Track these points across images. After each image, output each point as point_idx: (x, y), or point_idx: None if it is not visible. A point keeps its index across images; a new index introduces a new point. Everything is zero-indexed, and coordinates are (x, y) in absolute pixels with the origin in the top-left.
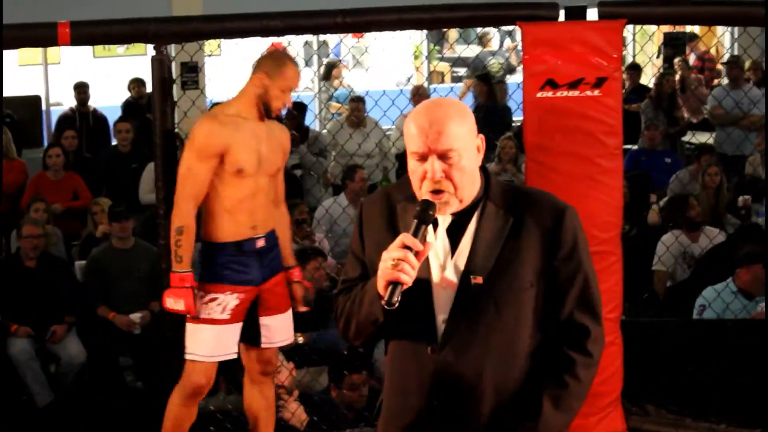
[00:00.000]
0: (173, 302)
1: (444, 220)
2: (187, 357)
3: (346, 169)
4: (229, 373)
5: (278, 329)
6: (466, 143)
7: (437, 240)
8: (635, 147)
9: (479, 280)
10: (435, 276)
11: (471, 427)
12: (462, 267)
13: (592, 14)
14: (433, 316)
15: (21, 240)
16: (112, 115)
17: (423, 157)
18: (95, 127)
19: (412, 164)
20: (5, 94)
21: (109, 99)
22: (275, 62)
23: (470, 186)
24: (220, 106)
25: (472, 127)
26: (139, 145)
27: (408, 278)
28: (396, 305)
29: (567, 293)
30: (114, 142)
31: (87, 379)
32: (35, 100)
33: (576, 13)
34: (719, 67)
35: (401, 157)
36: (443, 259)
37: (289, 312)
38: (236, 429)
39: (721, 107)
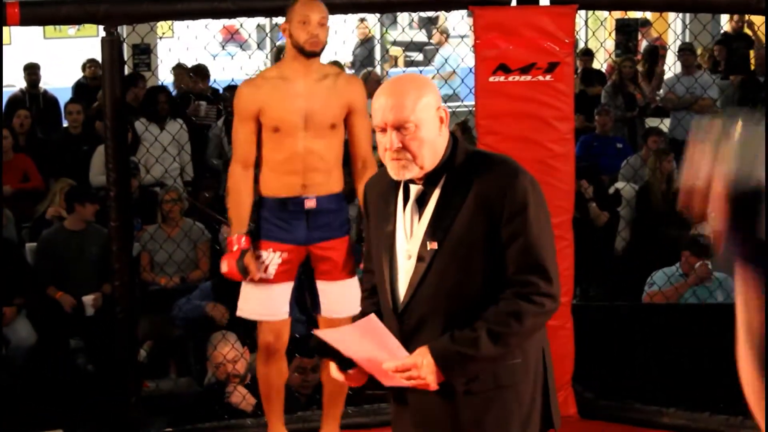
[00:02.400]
0: (223, 266)
1: (414, 191)
2: (237, 313)
3: None
4: (180, 355)
5: (336, 299)
6: (423, 115)
7: (407, 211)
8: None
9: (434, 245)
10: (401, 246)
11: (437, 390)
12: (422, 235)
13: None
14: (398, 286)
15: None
16: (63, 96)
17: (383, 130)
18: (46, 108)
19: (377, 137)
20: None
21: (60, 80)
22: (288, 7)
23: (431, 155)
24: (265, 69)
25: (431, 100)
26: (90, 126)
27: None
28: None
29: (512, 254)
30: (65, 124)
31: (37, 362)
32: None
33: None
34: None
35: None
36: (410, 229)
37: (349, 280)
38: (188, 411)
39: (673, 93)
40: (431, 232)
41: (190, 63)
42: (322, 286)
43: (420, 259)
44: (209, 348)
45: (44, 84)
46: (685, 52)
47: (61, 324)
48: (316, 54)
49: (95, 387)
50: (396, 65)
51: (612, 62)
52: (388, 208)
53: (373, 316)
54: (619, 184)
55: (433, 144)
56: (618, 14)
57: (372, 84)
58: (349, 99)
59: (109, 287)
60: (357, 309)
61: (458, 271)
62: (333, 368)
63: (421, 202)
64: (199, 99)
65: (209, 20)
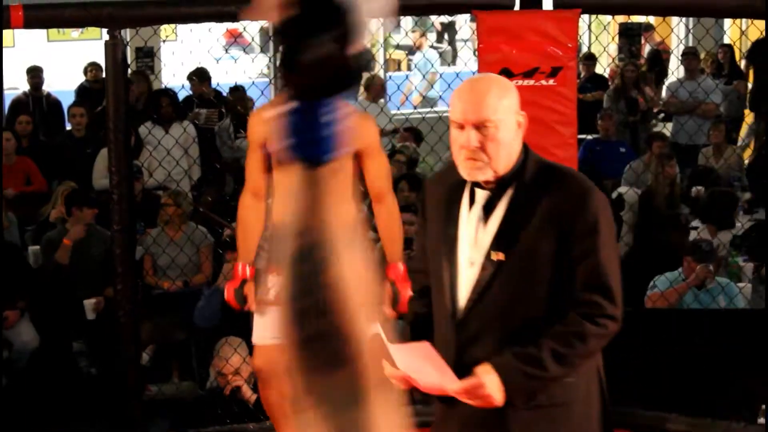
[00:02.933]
0: (225, 293)
1: (480, 196)
2: (253, 340)
3: None
4: (183, 359)
5: None
6: (504, 116)
7: (471, 216)
8: (590, 137)
9: (501, 256)
10: (464, 252)
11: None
12: (487, 244)
13: (548, 4)
14: (458, 292)
15: None
16: (67, 99)
17: (461, 126)
18: (49, 111)
19: (453, 133)
20: None
21: (63, 83)
22: None
23: (506, 159)
24: (278, 96)
25: (513, 102)
26: (94, 129)
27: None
28: None
29: (580, 273)
30: (69, 127)
31: (40, 365)
32: None
33: (531, 3)
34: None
35: None
36: (474, 236)
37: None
38: (190, 415)
39: (676, 97)
40: (497, 242)
41: (193, 66)
42: None
43: (484, 268)
44: (214, 353)
45: (47, 87)
46: (689, 56)
47: (64, 327)
48: None
49: (98, 390)
50: (399, 69)
51: (614, 66)
52: (452, 209)
53: (428, 344)
54: (622, 189)
55: (509, 148)
56: (621, 18)
57: (376, 88)
58: (354, 141)
59: (112, 291)
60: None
61: (522, 284)
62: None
63: (488, 209)
64: (201, 102)
65: (213, 24)
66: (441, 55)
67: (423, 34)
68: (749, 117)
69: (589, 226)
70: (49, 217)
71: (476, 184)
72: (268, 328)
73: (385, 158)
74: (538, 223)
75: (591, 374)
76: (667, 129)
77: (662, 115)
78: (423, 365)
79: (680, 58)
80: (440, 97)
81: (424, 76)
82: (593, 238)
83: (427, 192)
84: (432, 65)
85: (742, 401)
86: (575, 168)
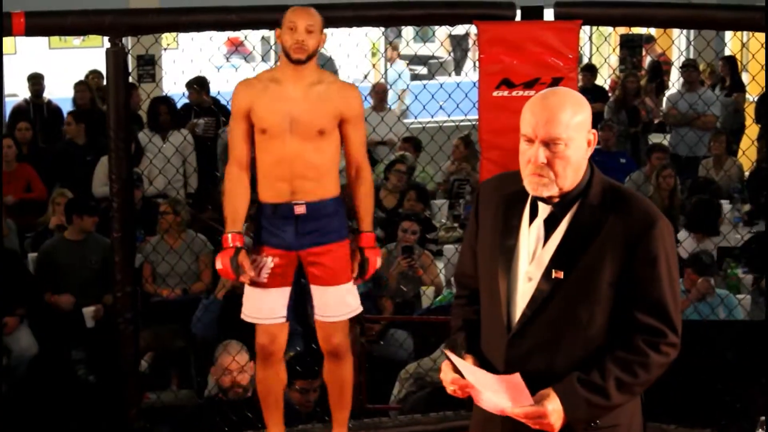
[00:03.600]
0: (217, 263)
1: (543, 211)
2: (242, 316)
3: None
4: (182, 367)
5: (328, 303)
6: (575, 134)
7: (532, 230)
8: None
9: (560, 275)
10: (522, 266)
11: None
12: (547, 260)
13: (549, 14)
14: (514, 306)
15: None
16: (68, 107)
17: (530, 141)
18: (50, 118)
19: (522, 145)
20: None
21: (64, 91)
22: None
23: (573, 176)
24: (263, 71)
25: (585, 119)
26: (94, 137)
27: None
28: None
29: (642, 300)
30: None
31: (39, 372)
32: None
33: (532, 13)
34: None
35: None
36: (533, 251)
37: (344, 286)
38: (189, 423)
39: (676, 108)
40: (558, 260)
41: (194, 75)
42: (314, 290)
43: (542, 285)
44: (213, 359)
45: (48, 94)
46: (689, 68)
47: (63, 334)
48: (302, 61)
49: (96, 398)
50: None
51: (615, 77)
52: (512, 220)
53: (518, 375)
54: None
55: (577, 166)
56: (622, 30)
57: (379, 94)
58: (341, 107)
59: (111, 298)
60: (350, 311)
61: (581, 305)
62: (446, 368)
63: (550, 225)
64: (199, 110)
65: (214, 32)
66: (441, 65)
67: (395, 48)
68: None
69: (652, 255)
70: (49, 225)
71: (539, 198)
72: (265, 308)
73: (364, 129)
74: (600, 245)
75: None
76: (667, 140)
77: (656, 124)
78: (499, 388)
79: (680, 69)
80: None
81: (390, 86)
82: (656, 266)
83: (481, 197)
84: (400, 77)
85: (741, 413)
86: None
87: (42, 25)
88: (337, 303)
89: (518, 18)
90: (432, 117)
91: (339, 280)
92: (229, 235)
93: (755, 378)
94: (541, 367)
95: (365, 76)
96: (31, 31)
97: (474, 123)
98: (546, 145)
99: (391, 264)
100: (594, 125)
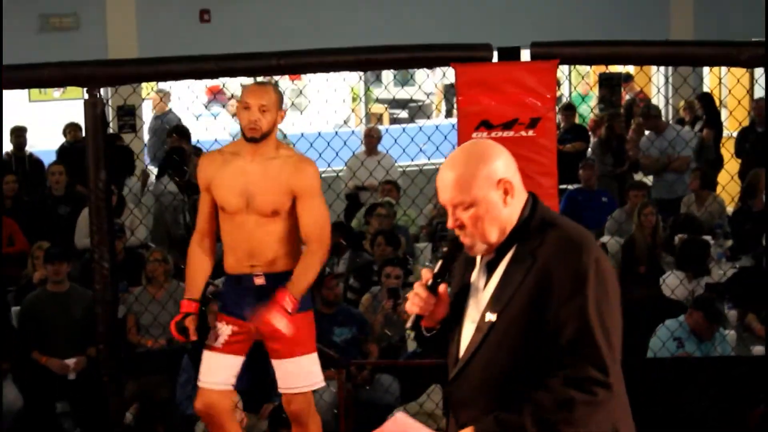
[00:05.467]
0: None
1: (486, 256)
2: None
3: None
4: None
5: (288, 375)
6: (481, 192)
7: (477, 274)
8: (571, 187)
9: (493, 318)
10: (470, 310)
11: None
12: (484, 305)
13: (526, 55)
14: (459, 351)
15: None
16: (49, 159)
17: (446, 207)
18: (31, 171)
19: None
20: None
21: (45, 143)
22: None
23: (495, 230)
24: (228, 144)
25: (491, 172)
26: (73, 188)
27: (412, 307)
28: (421, 333)
29: (565, 338)
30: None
31: (24, 426)
32: None
33: (509, 54)
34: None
35: (350, 197)
36: (477, 294)
37: (306, 357)
38: None
39: (649, 155)
40: (492, 304)
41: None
42: (275, 363)
43: (478, 329)
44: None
45: (30, 147)
46: (650, 117)
47: (48, 388)
48: (256, 140)
49: None
50: (381, 122)
51: (595, 117)
52: (469, 265)
53: (400, 415)
54: (605, 239)
55: (496, 219)
56: (600, 68)
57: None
58: (293, 186)
59: (94, 350)
60: (309, 384)
61: (511, 348)
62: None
63: (490, 268)
64: (180, 158)
65: (192, 81)
66: (420, 108)
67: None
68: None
69: (574, 289)
70: (33, 279)
71: None
72: (213, 373)
73: (319, 205)
74: (529, 285)
75: None
76: (648, 179)
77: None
78: None
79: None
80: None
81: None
82: (579, 300)
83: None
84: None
85: None
86: None
87: (19, 78)
88: (297, 375)
89: (495, 59)
90: (412, 160)
91: (296, 351)
92: (185, 301)
93: (746, 411)
94: (476, 414)
95: (345, 122)
96: (8, 85)
97: None
98: (455, 207)
99: (376, 309)
100: (575, 164)
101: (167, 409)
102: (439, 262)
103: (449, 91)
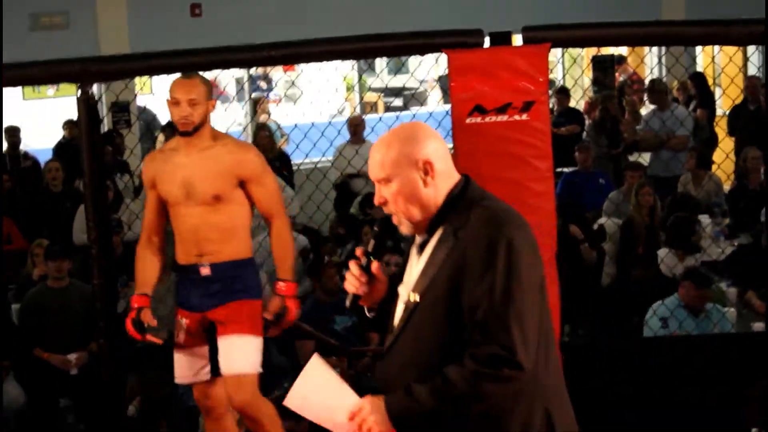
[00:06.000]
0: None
1: (418, 238)
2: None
3: None
4: (170, 411)
5: (230, 353)
6: (398, 170)
7: (412, 254)
8: (567, 170)
9: (416, 298)
10: (401, 290)
11: None
12: (411, 285)
13: (517, 40)
14: (392, 328)
15: None
16: (44, 158)
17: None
18: (27, 169)
19: None
20: None
21: (40, 142)
22: None
23: (417, 209)
24: (168, 141)
25: (410, 151)
26: (71, 185)
27: (349, 286)
28: (363, 313)
29: (476, 317)
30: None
31: (27, 423)
32: None
33: (501, 39)
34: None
35: (339, 187)
36: (410, 274)
37: (245, 338)
38: None
39: (651, 129)
40: (417, 284)
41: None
42: (220, 342)
43: (405, 309)
44: None
45: (25, 146)
46: (654, 92)
47: (50, 383)
48: (189, 134)
49: None
50: (375, 110)
51: (590, 99)
52: (409, 248)
53: (315, 356)
54: (602, 220)
55: (415, 197)
56: (593, 51)
57: (354, 127)
58: (237, 172)
59: (96, 345)
60: (248, 365)
61: (433, 328)
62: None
63: (421, 250)
64: None
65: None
66: (414, 95)
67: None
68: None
69: (485, 267)
70: (33, 276)
71: None
72: (186, 368)
73: (271, 181)
74: (447, 265)
75: (531, 419)
76: (644, 159)
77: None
78: (321, 392)
79: (647, 92)
80: None
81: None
82: (488, 279)
83: None
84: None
85: (733, 425)
86: (551, 201)
87: (10, 76)
88: (236, 355)
89: (487, 44)
90: None
91: (239, 330)
92: (134, 298)
93: (746, 390)
94: (392, 385)
95: (340, 111)
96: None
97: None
98: (380, 183)
99: None
100: (570, 147)
101: (169, 402)
102: (371, 241)
103: (442, 79)
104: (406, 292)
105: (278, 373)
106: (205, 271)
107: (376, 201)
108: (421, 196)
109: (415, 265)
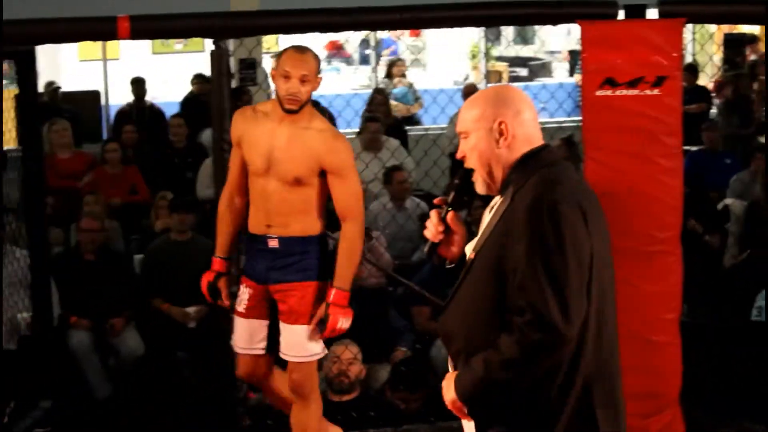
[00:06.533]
0: (202, 283)
1: (493, 201)
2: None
3: (385, 171)
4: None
5: (286, 342)
6: (475, 126)
7: (484, 217)
8: (694, 148)
9: (472, 255)
10: (467, 248)
11: None
12: (473, 243)
13: (652, 13)
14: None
15: (80, 233)
16: (170, 111)
17: None
18: (152, 122)
19: None
20: (66, 88)
21: (167, 95)
22: (278, 54)
23: (483, 166)
24: (264, 101)
25: (489, 112)
26: (194, 140)
27: (427, 233)
28: (432, 259)
29: (515, 281)
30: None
31: (145, 373)
32: (95, 95)
33: (635, 12)
34: None
35: (453, 157)
36: (477, 235)
37: (302, 327)
38: None
39: None
40: (477, 242)
41: None
42: (281, 326)
43: (465, 266)
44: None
45: (152, 98)
46: None
47: (169, 336)
48: (294, 111)
49: (202, 398)
50: (500, 80)
51: (721, 78)
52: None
53: None
54: (728, 200)
55: (485, 155)
56: (726, 29)
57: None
58: (322, 158)
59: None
60: (307, 355)
61: (482, 286)
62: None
63: (490, 211)
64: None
65: (316, 34)
66: (531, 69)
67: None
68: None
69: (523, 231)
70: (155, 227)
71: None
72: (241, 338)
73: (354, 179)
74: (498, 226)
75: (570, 393)
76: None
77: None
78: None
79: None
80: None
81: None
82: (525, 240)
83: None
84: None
85: None
86: (679, 178)
87: (147, 28)
88: (295, 343)
89: (621, 17)
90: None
91: (298, 320)
92: (215, 259)
93: None
94: (459, 343)
95: (465, 79)
96: (136, 35)
97: (578, 124)
98: (460, 138)
99: None
100: (697, 125)
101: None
102: (451, 192)
103: (574, 53)
104: (470, 249)
105: (397, 335)
106: (273, 243)
107: (458, 155)
108: (493, 156)
109: (483, 225)
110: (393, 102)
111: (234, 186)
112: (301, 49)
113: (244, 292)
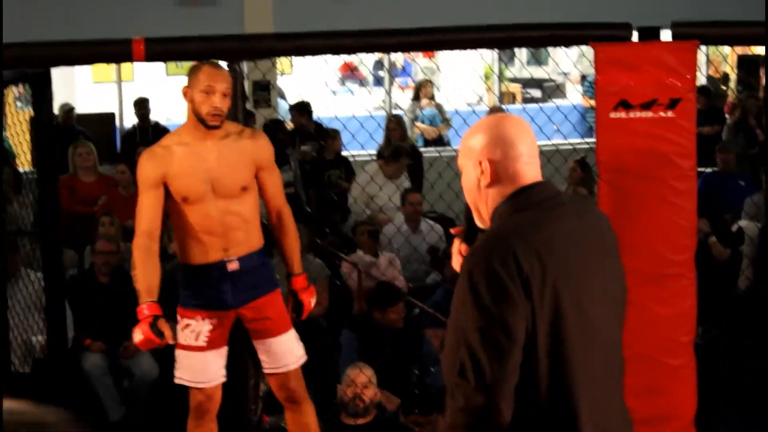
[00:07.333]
0: (136, 335)
1: None
2: (176, 380)
3: (402, 193)
4: None
5: (279, 352)
6: (464, 162)
7: None
8: (708, 170)
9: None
10: None
11: None
12: None
13: (665, 35)
14: None
15: (94, 255)
16: None
17: None
18: (156, 141)
19: None
20: (81, 110)
21: (181, 116)
22: (191, 71)
23: (475, 205)
24: (165, 135)
25: (473, 147)
26: None
27: (453, 263)
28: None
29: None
30: None
31: (160, 395)
32: (109, 117)
33: (649, 34)
34: None
35: None
36: None
37: (287, 334)
38: None
39: None
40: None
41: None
42: (258, 345)
43: None
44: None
45: (166, 120)
46: None
47: None
48: (218, 127)
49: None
50: (514, 101)
51: (732, 99)
52: None
53: None
54: (742, 222)
55: (475, 195)
56: (740, 50)
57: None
58: (255, 157)
59: None
60: (299, 357)
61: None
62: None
63: None
64: (301, 134)
65: (328, 57)
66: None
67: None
68: None
69: (456, 294)
70: (168, 250)
71: None
72: (205, 372)
73: (279, 173)
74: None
75: None
76: None
77: None
78: None
79: None
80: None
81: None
82: (456, 306)
83: None
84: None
85: None
86: (693, 201)
87: (161, 50)
88: (285, 352)
89: (635, 39)
90: (549, 140)
91: (281, 329)
92: (145, 306)
93: None
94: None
95: (479, 100)
96: (150, 57)
97: (591, 146)
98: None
99: None
100: (710, 147)
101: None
102: (464, 225)
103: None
104: None
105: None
106: (233, 265)
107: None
108: (479, 195)
109: None
110: (420, 125)
111: (151, 230)
112: (216, 65)
113: (201, 325)
